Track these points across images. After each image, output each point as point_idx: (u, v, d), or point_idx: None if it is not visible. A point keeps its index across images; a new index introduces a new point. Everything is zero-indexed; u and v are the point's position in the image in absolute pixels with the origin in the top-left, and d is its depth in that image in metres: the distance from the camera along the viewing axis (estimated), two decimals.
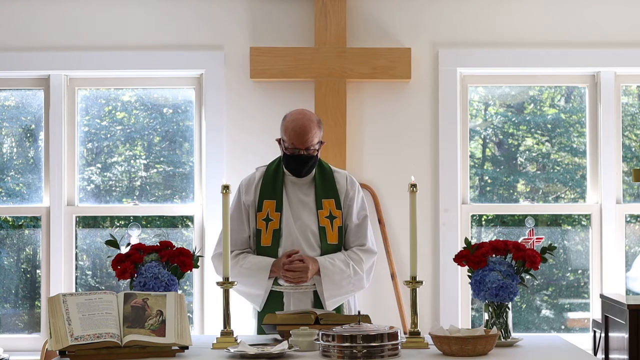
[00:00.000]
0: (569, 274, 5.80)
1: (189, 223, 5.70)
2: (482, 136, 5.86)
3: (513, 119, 5.85)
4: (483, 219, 5.78)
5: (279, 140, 4.26)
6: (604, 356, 4.88)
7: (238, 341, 3.61)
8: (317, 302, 4.18)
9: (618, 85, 5.66)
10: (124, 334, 3.38)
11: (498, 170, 5.83)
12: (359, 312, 3.64)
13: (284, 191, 4.25)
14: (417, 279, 3.68)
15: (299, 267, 4.09)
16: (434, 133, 5.58)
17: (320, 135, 4.21)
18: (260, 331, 4.16)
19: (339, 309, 4.23)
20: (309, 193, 4.26)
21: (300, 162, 4.18)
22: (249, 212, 4.25)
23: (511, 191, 5.82)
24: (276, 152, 5.52)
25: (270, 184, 4.25)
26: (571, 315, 5.78)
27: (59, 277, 5.56)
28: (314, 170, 4.26)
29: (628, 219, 5.70)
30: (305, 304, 4.16)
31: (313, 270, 4.12)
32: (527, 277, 3.82)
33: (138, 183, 5.80)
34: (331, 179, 4.28)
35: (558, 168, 5.83)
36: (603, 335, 4.90)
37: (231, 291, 3.75)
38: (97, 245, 5.75)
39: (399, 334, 3.38)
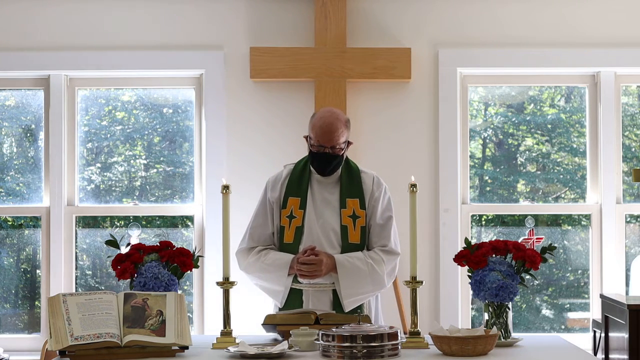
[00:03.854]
0: (569, 274, 5.80)
1: (189, 223, 5.70)
2: (482, 136, 5.85)
3: (513, 119, 5.85)
4: (483, 219, 5.78)
5: (306, 137, 4.25)
6: (604, 356, 4.88)
7: (238, 341, 3.61)
8: (336, 301, 4.14)
9: (618, 85, 5.66)
10: (124, 334, 3.38)
11: (498, 170, 5.83)
12: (359, 312, 3.63)
13: (309, 189, 4.26)
14: (417, 279, 3.68)
15: (311, 260, 4.07)
16: (434, 133, 5.58)
17: (347, 135, 4.21)
18: None
19: (359, 310, 4.16)
20: (334, 192, 4.26)
21: (325, 161, 4.18)
22: (274, 209, 4.26)
23: (511, 191, 5.82)
24: (275, 153, 5.54)
25: (297, 181, 4.26)
26: (571, 315, 5.78)
27: (59, 277, 5.56)
28: (340, 169, 4.26)
29: (628, 219, 5.70)
30: (324, 303, 4.13)
31: (327, 264, 4.09)
32: (527, 277, 3.82)
33: (138, 183, 5.80)
34: (357, 179, 4.27)
35: (558, 168, 5.83)
36: (603, 335, 4.90)
37: (232, 291, 3.76)
38: (97, 245, 5.74)
39: (399, 334, 3.38)
